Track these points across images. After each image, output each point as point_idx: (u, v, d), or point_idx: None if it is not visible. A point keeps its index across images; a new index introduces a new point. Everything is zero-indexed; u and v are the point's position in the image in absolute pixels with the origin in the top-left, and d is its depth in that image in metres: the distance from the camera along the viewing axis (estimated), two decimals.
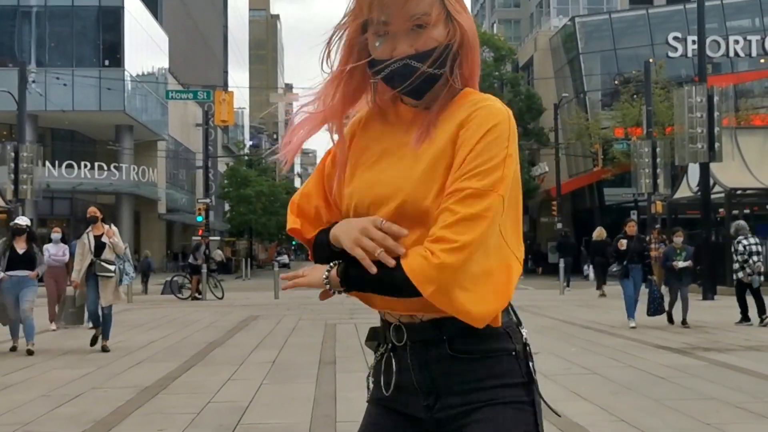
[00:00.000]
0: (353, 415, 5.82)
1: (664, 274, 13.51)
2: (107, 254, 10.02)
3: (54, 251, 13.24)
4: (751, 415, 5.64)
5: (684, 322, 11.95)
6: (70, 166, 44.09)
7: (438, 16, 1.57)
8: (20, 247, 9.99)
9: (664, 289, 12.64)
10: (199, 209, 41.08)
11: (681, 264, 12.19)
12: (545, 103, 46.40)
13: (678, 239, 12.63)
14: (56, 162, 43.11)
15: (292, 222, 1.74)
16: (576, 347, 9.81)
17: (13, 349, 9.94)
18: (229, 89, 31.35)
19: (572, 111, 43.46)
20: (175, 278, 24.50)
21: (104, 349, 9.90)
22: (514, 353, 1.61)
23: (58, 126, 46.58)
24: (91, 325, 10.30)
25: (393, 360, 1.63)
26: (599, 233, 21.72)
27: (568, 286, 23.47)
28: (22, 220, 10.44)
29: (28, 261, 9.98)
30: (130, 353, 9.77)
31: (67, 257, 13.07)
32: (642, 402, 6.16)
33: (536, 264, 44.15)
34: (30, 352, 9.60)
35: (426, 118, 1.62)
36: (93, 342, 10.02)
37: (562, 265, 23.24)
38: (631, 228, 12.44)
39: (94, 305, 9.97)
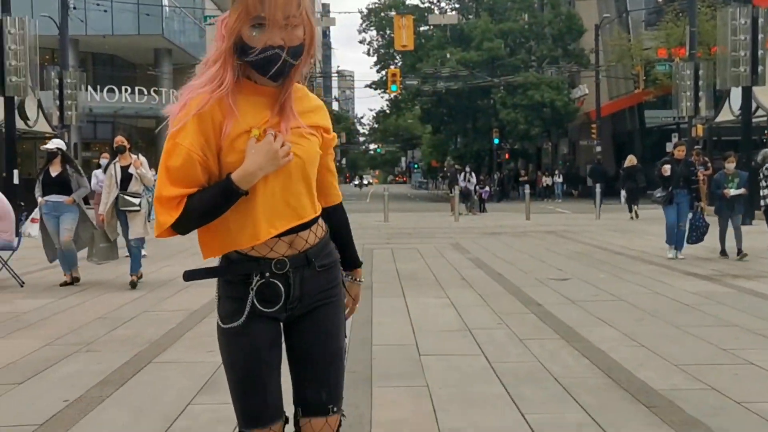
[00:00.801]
0: (388, 339, 6.21)
1: (709, 200, 13.29)
2: (134, 186, 9.52)
3: (102, 177, 12.48)
4: None
5: (740, 252, 11.26)
6: (111, 90, 44.66)
7: (300, 19, 2.06)
8: (54, 170, 9.60)
9: (713, 219, 11.85)
10: None
11: (733, 192, 11.59)
12: (586, 24, 45.39)
13: (730, 165, 12.02)
14: (98, 86, 43.67)
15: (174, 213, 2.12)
16: (606, 273, 10.07)
17: (65, 283, 9.56)
18: None
19: (614, 32, 42.52)
20: None
21: (132, 285, 9.36)
22: (339, 261, 2.36)
23: (99, 50, 46.95)
24: (128, 254, 10.08)
25: (278, 285, 2.19)
26: (630, 160, 23.24)
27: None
28: (53, 143, 9.85)
29: (61, 184, 9.53)
30: (178, 277, 10.22)
31: None
32: (664, 329, 6.43)
33: (573, 187, 44.06)
34: (76, 279, 9.82)
35: (286, 100, 2.16)
36: (132, 286, 9.36)
37: (598, 190, 23.30)
38: (680, 152, 11.67)
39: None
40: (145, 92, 46.23)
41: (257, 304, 2.18)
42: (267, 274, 2.18)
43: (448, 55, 45.58)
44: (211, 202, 2.09)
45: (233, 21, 2.06)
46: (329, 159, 2.35)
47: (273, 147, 2.06)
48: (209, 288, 8.25)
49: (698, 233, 11.42)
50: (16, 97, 20.82)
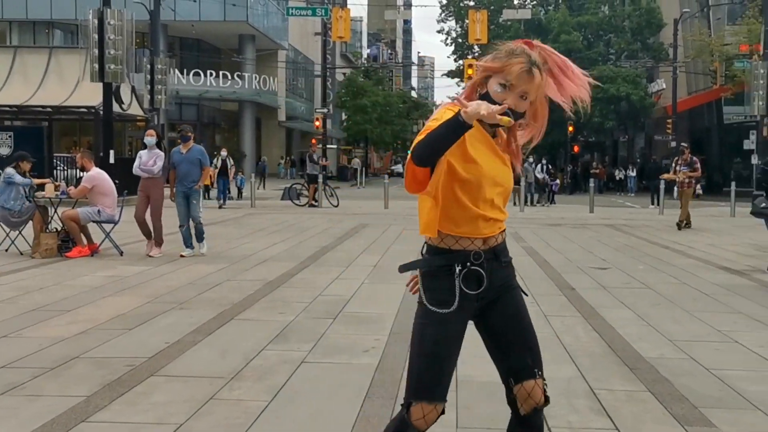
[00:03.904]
0: None
1: None
2: None
3: (145, 159, 11.31)
4: (762, 326, 6.69)
5: None
6: (197, 74, 46.95)
7: (532, 98, 2.65)
8: None
9: None
10: (317, 119, 42.94)
11: None
12: (666, 18, 45.16)
13: None
14: (184, 70, 45.87)
15: None
16: (645, 265, 10.86)
17: None
18: (347, 5, 32.30)
19: (694, 27, 42.25)
20: (294, 186, 26.48)
21: None
22: (511, 261, 2.83)
23: (186, 35, 49.22)
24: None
25: (479, 271, 2.65)
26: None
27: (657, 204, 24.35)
28: None
29: None
30: (256, 253, 11.52)
31: (158, 167, 11.28)
32: (674, 312, 7.29)
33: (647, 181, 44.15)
34: None
35: (510, 146, 2.77)
36: None
37: (662, 186, 23.74)
38: None
39: None
40: (229, 77, 48.30)
41: (464, 289, 2.63)
42: (468, 264, 2.64)
43: None
44: (440, 131, 2.43)
45: (490, 66, 2.64)
46: None
47: (490, 106, 2.40)
48: (284, 262, 9.66)
49: None
50: (113, 83, 22.54)
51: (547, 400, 2.77)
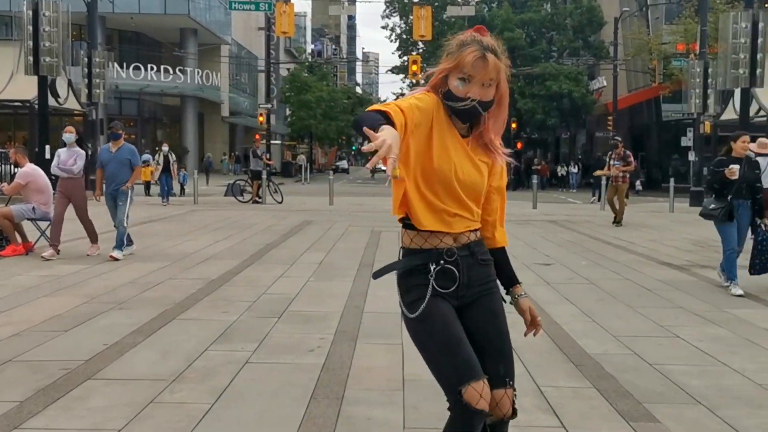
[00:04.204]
0: (378, 307, 7.20)
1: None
2: None
3: (64, 158, 10.69)
4: (702, 320, 6.82)
5: None
6: (137, 68, 46.05)
7: (495, 82, 2.59)
8: None
9: None
10: (261, 114, 42.51)
11: None
12: (607, 16, 45.94)
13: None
14: (124, 64, 44.94)
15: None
16: (588, 261, 10.99)
17: None
18: (291, 0, 31.94)
19: (634, 25, 43.07)
20: (238, 182, 26.14)
21: None
22: (492, 261, 2.76)
23: (125, 28, 48.21)
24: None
25: (452, 269, 2.61)
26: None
27: (599, 200, 24.97)
28: None
29: None
30: (198, 251, 11.31)
31: (78, 167, 10.67)
32: (618, 308, 7.38)
33: (590, 178, 45.01)
34: None
35: (480, 140, 2.68)
36: None
37: (603, 182, 24.05)
38: (743, 146, 8.39)
39: None
40: (171, 71, 47.51)
41: (437, 287, 2.59)
42: (441, 261, 2.61)
43: None
44: (366, 120, 2.27)
45: (445, 67, 2.59)
46: (494, 201, 2.79)
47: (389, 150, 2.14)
48: (227, 260, 9.48)
49: (764, 258, 8.35)
50: (48, 76, 21.91)
51: (514, 413, 2.68)
